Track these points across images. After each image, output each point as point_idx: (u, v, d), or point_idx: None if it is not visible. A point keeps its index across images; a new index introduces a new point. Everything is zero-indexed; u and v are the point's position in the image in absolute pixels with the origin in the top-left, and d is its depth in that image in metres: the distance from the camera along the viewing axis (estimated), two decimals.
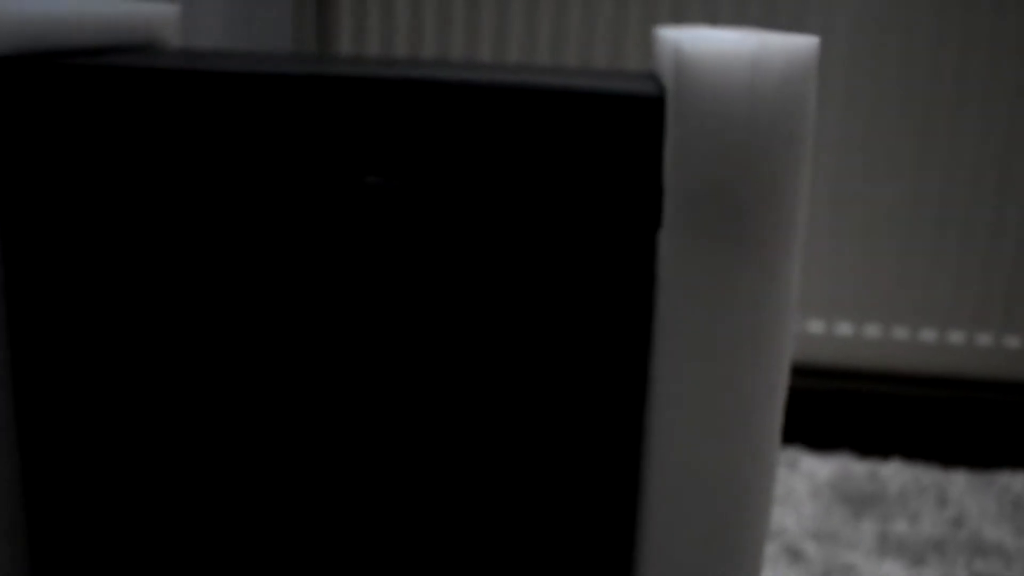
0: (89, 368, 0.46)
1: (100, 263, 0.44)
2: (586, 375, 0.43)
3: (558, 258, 0.41)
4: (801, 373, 0.92)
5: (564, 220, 0.41)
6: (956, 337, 0.92)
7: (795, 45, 0.39)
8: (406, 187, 0.41)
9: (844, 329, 0.93)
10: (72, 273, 0.45)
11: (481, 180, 0.41)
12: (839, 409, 0.93)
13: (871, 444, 0.91)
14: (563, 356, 0.43)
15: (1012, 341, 0.92)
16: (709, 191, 0.39)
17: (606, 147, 0.40)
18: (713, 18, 0.90)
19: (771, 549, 0.73)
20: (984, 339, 0.92)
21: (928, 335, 0.92)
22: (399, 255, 0.42)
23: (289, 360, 0.44)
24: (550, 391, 0.43)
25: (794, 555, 0.73)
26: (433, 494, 0.45)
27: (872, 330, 0.93)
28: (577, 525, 0.46)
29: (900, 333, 0.92)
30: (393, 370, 0.43)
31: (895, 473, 0.86)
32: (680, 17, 0.91)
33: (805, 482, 0.83)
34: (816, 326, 0.93)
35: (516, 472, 0.45)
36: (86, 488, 0.48)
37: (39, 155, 0.43)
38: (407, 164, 0.41)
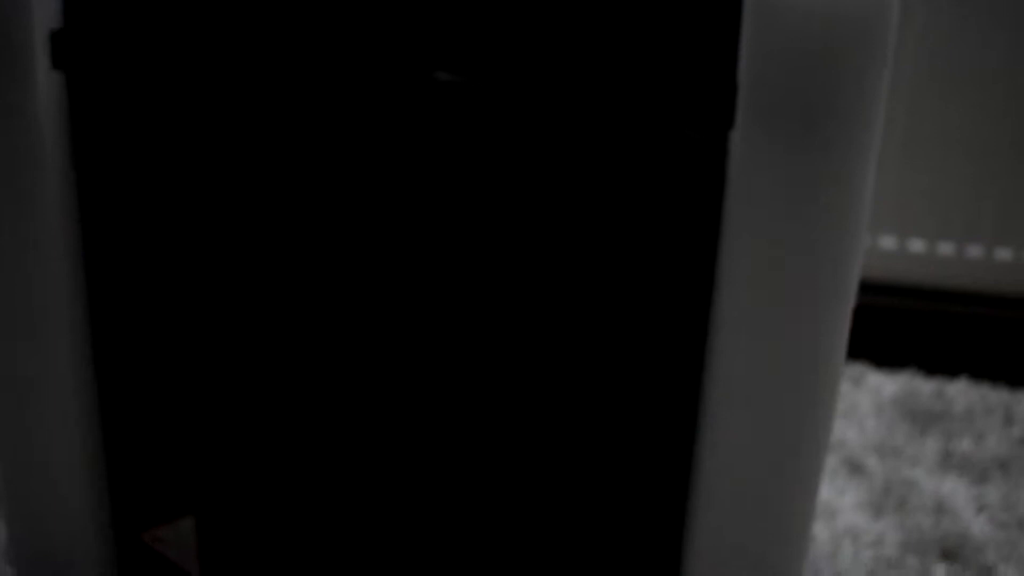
0: (161, 258, 0.47)
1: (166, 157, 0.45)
2: (652, 273, 0.43)
3: (626, 154, 0.41)
4: (871, 289, 0.91)
5: (634, 114, 0.40)
6: None
7: None
8: (476, 83, 0.41)
9: (917, 246, 0.91)
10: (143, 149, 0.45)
11: (549, 72, 0.40)
12: (907, 327, 0.91)
13: (938, 363, 0.90)
14: (628, 257, 0.42)
15: None
16: (786, 90, 0.38)
17: (679, 39, 0.39)
18: None
19: (831, 461, 0.73)
20: None
21: (1004, 254, 0.90)
22: (469, 154, 0.42)
23: (345, 266, 0.44)
24: (612, 291, 0.43)
25: (854, 468, 0.73)
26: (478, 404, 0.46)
27: (945, 248, 0.91)
28: (638, 431, 0.46)
29: (974, 251, 0.91)
30: (457, 272, 0.43)
31: (962, 392, 0.85)
32: None
33: (869, 397, 0.82)
34: (888, 242, 0.91)
35: (577, 375, 0.45)
36: (160, 408, 0.49)
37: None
38: (477, 59, 0.41)
